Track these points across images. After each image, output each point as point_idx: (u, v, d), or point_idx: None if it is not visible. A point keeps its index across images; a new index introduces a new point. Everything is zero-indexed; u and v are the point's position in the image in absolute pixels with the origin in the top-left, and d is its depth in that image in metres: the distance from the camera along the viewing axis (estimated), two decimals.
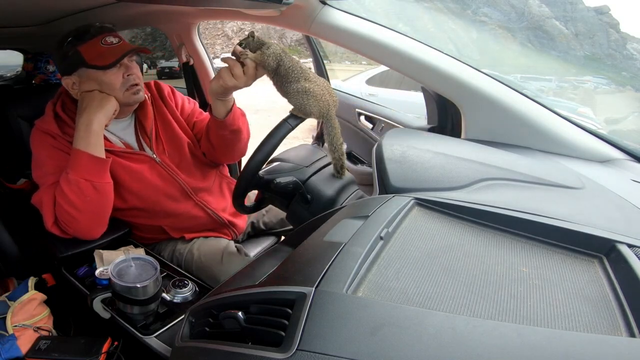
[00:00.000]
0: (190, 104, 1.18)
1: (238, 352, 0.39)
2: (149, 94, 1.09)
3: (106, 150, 0.95)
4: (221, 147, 1.07)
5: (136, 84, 0.98)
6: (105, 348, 0.74)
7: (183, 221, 1.08)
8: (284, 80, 0.82)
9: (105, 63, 0.92)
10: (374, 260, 0.45)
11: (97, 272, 0.84)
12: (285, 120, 0.83)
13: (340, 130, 0.87)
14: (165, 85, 1.15)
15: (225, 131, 1.02)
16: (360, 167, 1.66)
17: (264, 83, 0.94)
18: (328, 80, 1.48)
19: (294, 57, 0.84)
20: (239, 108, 1.05)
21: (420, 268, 0.45)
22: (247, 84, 0.86)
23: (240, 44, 0.84)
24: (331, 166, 0.96)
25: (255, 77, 0.85)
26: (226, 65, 0.84)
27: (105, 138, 0.98)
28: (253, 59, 0.83)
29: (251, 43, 0.83)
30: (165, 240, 1.12)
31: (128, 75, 0.97)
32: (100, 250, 0.91)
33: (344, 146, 0.87)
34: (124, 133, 1.05)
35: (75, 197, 0.89)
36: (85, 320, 0.88)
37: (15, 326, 0.80)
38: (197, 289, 0.84)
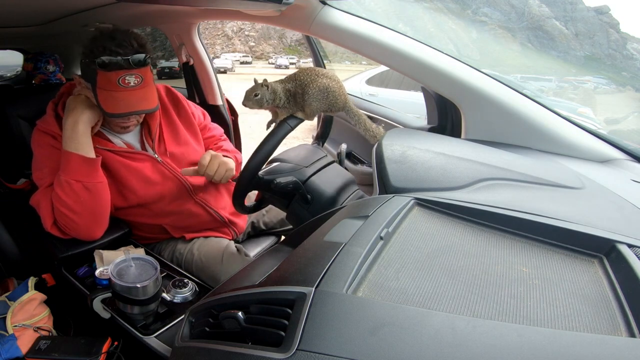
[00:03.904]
0: (206, 120, 1.22)
1: (238, 352, 0.39)
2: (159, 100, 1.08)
3: (107, 150, 0.95)
4: None
5: (129, 125, 1.00)
6: (105, 348, 0.74)
7: (184, 220, 1.08)
8: (299, 93, 0.81)
9: (110, 111, 0.89)
10: (374, 260, 0.45)
11: (97, 272, 0.84)
12: (285, 121, 0.83)
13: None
14: (179, 93, 1.16)
15: None
16: (360, 167, 1.66)
17: None
18: None
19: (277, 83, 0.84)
20: (229, 151, 1.16)
21: (420, 268, 0.45)
22: None
23: (254, 94, 0.83)
24: (331, 166, 0.96)
25: None
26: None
27: (107, 139, 0.99)
28: (282, 117, 0.84)
29: (267, 94, 0.83)
30: (165, 240, 1.12)
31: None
32: (100, 250, 0.91)
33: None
34: (127, 135, 1.05)
35: (69, 199, 0.89)
36: (85, 320, 0.88)
37: (15, 326, 0.80)
38: (197, 289, 0.84)
